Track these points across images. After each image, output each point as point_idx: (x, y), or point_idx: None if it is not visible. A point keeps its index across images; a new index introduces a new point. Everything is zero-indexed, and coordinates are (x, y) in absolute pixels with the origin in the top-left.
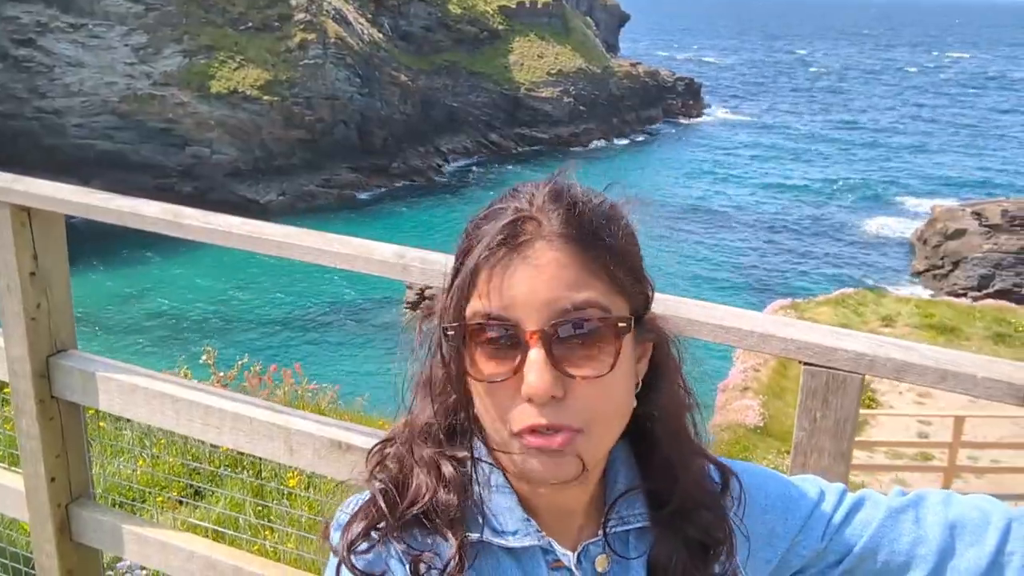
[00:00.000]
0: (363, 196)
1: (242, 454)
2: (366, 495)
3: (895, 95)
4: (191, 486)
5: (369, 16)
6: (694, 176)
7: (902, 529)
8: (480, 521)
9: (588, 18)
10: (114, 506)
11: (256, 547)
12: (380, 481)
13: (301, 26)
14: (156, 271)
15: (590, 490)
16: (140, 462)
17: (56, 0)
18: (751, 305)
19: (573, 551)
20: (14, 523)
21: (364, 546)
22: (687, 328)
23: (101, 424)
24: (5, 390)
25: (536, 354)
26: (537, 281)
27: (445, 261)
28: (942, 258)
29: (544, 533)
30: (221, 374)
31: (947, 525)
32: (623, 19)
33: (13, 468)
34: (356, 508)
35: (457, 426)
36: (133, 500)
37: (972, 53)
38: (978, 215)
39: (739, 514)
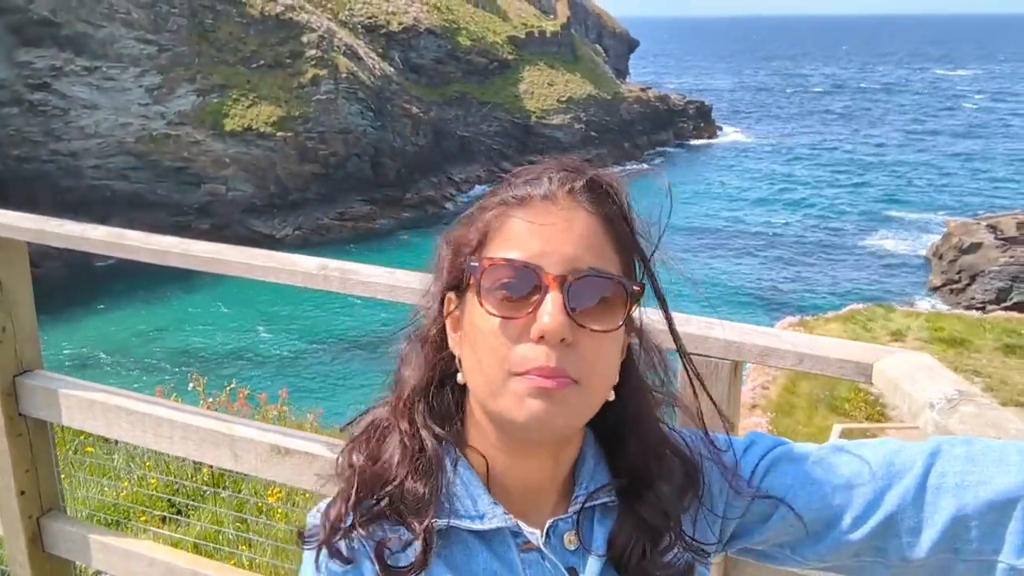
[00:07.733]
0: (380, 223)
1: (224, 473)
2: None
3: (900, 112)
4: (174, 505)
5: (380, 50)
6: (706, 196)
7: (837, 468)
8: (447, 506)
9: (597, 46)
10: (101, 525)
11: (233, 560)
12: (353, 464)
13: (313, 62)
14: (175, 308)
15: (563, 469)
16: (125, 483)
17: (70, 43)
18: (764, 323)
19: (542, 530)
20: None
21: (339, 537)
22: None
23: (89, 449)
24: None
25: (554, 296)
26: (566, 237)
27: (365, 272)
28: (959, 272)
29: (512, 515)
30: (211, 400)
31: (884, 462)
32: (632, 45)
33: None
34: (328, 505)
35: (442, 402)
36: (120, 520)
37: (974, 69)
38: (993, 228)
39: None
